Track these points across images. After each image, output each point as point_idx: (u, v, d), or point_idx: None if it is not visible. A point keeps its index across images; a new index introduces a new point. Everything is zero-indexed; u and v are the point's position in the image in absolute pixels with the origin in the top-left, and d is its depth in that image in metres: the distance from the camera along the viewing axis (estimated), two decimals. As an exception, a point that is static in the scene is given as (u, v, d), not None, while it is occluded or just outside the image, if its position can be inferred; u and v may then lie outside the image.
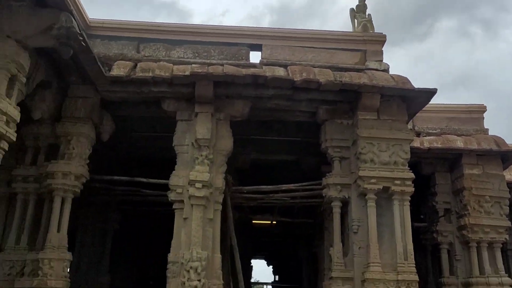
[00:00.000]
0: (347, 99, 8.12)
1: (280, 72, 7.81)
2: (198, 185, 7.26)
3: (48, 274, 6.78)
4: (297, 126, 9.29)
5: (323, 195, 8.13)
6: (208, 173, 7.40)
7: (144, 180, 8.80)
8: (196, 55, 8.55)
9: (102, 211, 10.37)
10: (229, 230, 8.77)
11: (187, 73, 7.53)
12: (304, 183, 8.94)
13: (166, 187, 7.81)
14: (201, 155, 7.52)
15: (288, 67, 8.08)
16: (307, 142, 9.71)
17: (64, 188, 7.31)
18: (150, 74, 7.60)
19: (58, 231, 7.18)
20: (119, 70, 7.68)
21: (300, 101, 8.12)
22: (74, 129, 7.60)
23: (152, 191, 9.36)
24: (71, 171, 7.33)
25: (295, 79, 7.62)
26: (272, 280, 26.33)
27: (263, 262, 26.95)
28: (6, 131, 5.45)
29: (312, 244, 12.27)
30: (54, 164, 7.33)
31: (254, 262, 22.43)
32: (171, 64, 7.94)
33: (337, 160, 8.08)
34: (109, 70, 7.70)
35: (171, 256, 7.13)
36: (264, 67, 8.13)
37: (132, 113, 8.69)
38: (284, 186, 8.91)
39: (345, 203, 7.98)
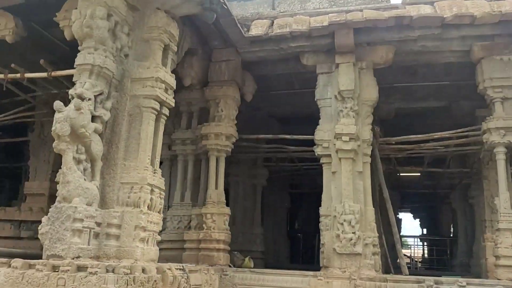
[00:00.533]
0: (507, 31, 7.14)
1: (426, 10, 7.14)
2: (344, 138, 7.12)
3: (211, 227, 7.38)
4: (445, 68, 8.52)
5: (484, 141, 7.38)
6: (354, 125, 7.20)
7: (288, 136, 8.92)
8: (332, 3, 8.22)
9: (250, 168, 10.89)
10: (379, 183, 8.54)
11: (325, 23, 7.30)
12: (459, 130, 8.21)
13: (309, 143, 7.82)
14: (346, 107, 7.33)
15: (435, 4, 7.34)
16: (458, 85, 8.91)
17: (217, 148, 7.77)
18: (288, 30, 7.54)
19: (216, 188, 7.72)
20: (257, 29, 7.75)
21: (451, 39, 7.38)
22: (220, 92, 7.97)
23: (295, 147, 9.53)
24: (221, 132, 7.75)
25: (444, 16, 6.92)
26: (420, 233, 25.40)
27: (408, 216, 26.10)
28: (166, 98, 5.88)
29: (467, 194, 11.42)
30: (207, 126, 7.81)
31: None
32: (308, 17, 7.75)
33: (499, 101, 7.22)
34: (248, 31, 7.82)
35: (322, 210, 7.20)
36: (407, 6, 7.50)
37: (270, 71, 8.79)
38: (437, 134, 8.29)
39: (510, 149, 7.16)
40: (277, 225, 13.31)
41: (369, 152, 7.45)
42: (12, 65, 6.60)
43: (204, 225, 7.42)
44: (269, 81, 9.46)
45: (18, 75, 6.68)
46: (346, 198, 6.96)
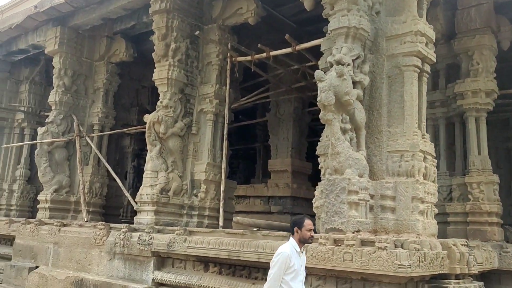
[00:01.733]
0: None
1: None
2: None
3: (479, 198, 6.46)
4: None
5: None
6: None
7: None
8: None
9: (501, 130, 9.38)
10: None
11: None
12: None
13: None
14: None
15: None
16: None
17: (476, 108, 6.75)
18: None
19: (479, 153, 6.74)
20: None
21: None
22: (473, 42, 6.90)
23: None
24: (480, 88, 6.70)
25: None
26: None
27: None
28: (428, 53, 5.20)
29: None
30: (460, 83, 6.84)
31: None
32: None
33: None
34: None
35: None
36: None
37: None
38: None
39: None
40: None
41: None
42: (259, 45, 6.74)
43: (469, 196, 6.53)
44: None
45: (264, 54, 6.80)
46: None
